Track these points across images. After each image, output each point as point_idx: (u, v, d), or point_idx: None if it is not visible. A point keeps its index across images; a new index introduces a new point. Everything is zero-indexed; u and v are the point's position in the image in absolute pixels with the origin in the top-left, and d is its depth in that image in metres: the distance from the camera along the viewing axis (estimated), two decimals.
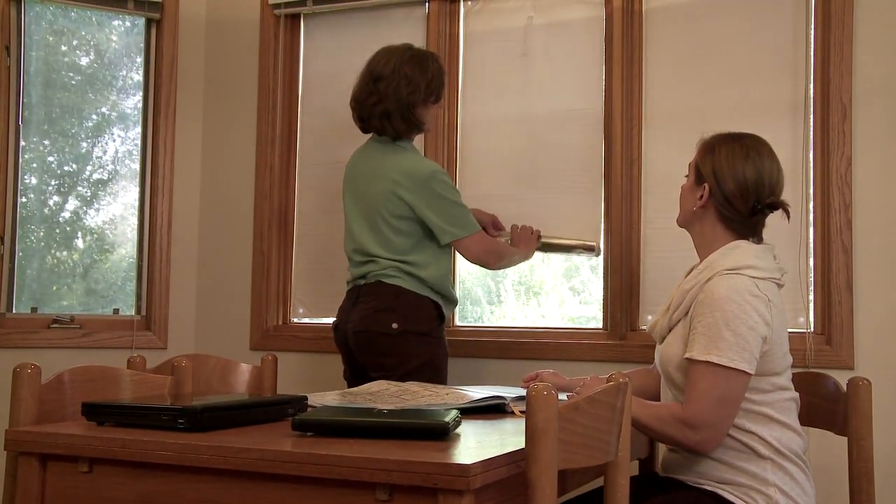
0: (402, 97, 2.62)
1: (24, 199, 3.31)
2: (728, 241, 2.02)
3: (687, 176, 2.13)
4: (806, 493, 1.91)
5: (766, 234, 2.75)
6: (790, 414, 1.95)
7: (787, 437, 1.92)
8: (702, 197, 2.03)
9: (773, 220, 2.72)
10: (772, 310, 1.90)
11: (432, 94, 2.68)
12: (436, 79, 2.68)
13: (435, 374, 2.60)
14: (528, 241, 2.82)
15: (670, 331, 2.02)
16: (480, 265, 2.77)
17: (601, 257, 2.95)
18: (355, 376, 2.68)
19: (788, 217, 2.05)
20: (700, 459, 1.93)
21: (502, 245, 2.77)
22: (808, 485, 1.93)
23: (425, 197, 2.60)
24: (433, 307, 2.66)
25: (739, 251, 1.97)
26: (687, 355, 1.89)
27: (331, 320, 3.26)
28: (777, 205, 2.02)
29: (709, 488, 1.91)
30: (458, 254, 2.84)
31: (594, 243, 2.89)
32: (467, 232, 2.64)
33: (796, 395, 1.99)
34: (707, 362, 1.85)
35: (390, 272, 2.62)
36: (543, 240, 2.86)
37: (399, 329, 2.58)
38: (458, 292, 3.04)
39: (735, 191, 1.99)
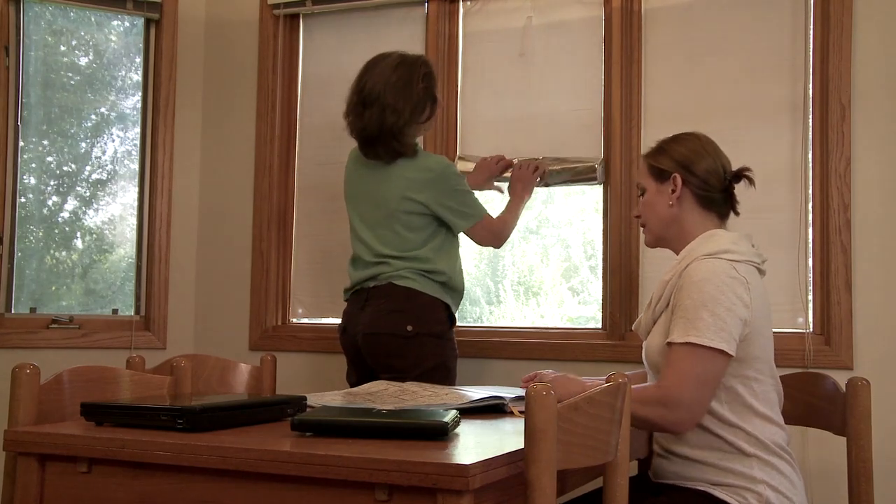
0: (386, 125, 2.61)
1: (23, 200, 3.31)
2: (709, 225, 2.06)
3: (640, 195, 2.15)
4: (794, 485, 1.92)
5: (766, 234, 2.75)
6: (773, 407, 1.96)
7: (770, 430, 1.92)
8: (674, 190, 2.06)
9: (773, 219, 2.73)
10: (751, 292, 1.91)
11: (420, 114, 2.66)
12: (421, 100, 2.65)
13: (446, 375, 2.60)
14: (526, 182, 2.85)
15: (654, 324, 2.04)
16: (489, 246, 2.83)
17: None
18: (362, 379, 2.65)
19: (753, 184, 2.08)
20: (688, 464, 1.93)
21: (506, 224, 2.78)
22: (796, 476, 1.93)
23: (439, 193, 2.62)
24: (444, 309, 2.67)
25: (716, 238, 2.00)
26: (667, 340, 1.91)
27: (330, 320, 3.28)
28: (740, 173, 2.08)
29: (701, 488, 1.91)
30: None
31: (594, 173, 2.88)
32: (478, 218, 2.68)
33: (780, 387, 2.00)
34: (686, 343, 1.86)
35: (404, 273, 2.62)
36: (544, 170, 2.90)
37: (414, 331, 2.58)
38: None
39: (706, 167, 2.05)
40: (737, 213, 2.11)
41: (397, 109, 2.61)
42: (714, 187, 2.05)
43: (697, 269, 1.92)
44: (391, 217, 2.65)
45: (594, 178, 2.90)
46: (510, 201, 2.83)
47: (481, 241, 2.77)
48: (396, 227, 2.64)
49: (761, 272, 2.02)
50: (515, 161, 2.93)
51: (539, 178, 2.89)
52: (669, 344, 1.89)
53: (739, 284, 1.90)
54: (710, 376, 1.86)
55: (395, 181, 2.64)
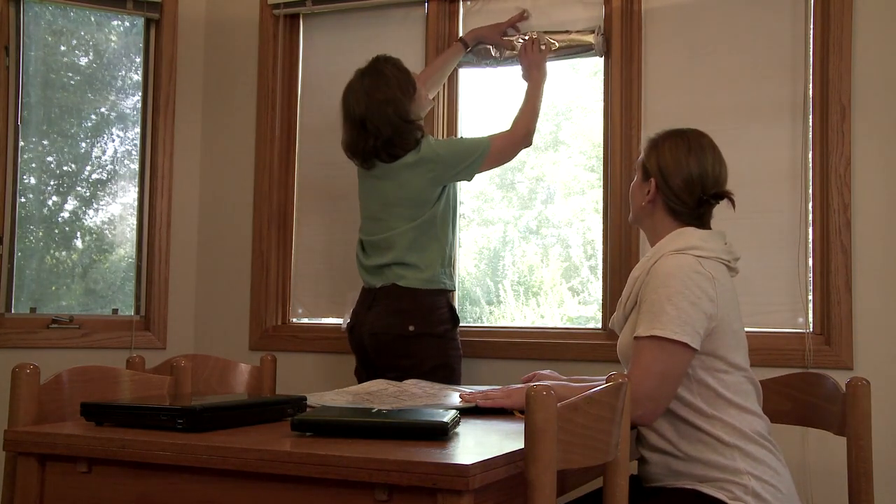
0: (392, 120, 2.65)
1: (23, 200, 3.31)
2: (678, 228, 2.07)
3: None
4: (779, 473, 1.92)
5: (766, 234, 2.75)
6: (749, 398, 1.97)
7: (749, 420, 1.93)
8: (649, 192, 2.08)
9: (773, 219, 2.73)
10: (717, 287, 1.93)
11: (406, 89, 2.71)
12: (400, 78, 2.71)
13: (449, 375, 2.64)
14: (538, 62, 2.87)
15: (626, 320, 2.06)
16: (521, 150, 2.81)
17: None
18: (371, 376, 2.67)
19: (734, 206, 2.08)
20: (673, 460, 1.94)
21: (526, 117, 2.79)
22: (780, 465, 1.94)
23: (443, 168, 2.68)
24: (448, 309, 2.71)
25: (686, 235, 2.02)
26: (634, 335, 1.93)
27: (330, 320, 3.29)
28: (722, 194, 2.07)
29: (689, 487, 1.92)
30: (460, 252, 2.85)
31: (592, 44, 2.89)
32: (485, 152, 2.71)
33: (756, 380, 2.02)
34: (651, 337, 1.88)
35: (406, 272, 2.66)
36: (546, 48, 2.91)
37: (416, 331, 2.62)
38: (458, 293, 3.04)
39: (681, 184, 2.05)
40: (708, 228, 2.10)
41: (389, 98, 2.66)
42: (684, 202, 2.06)
43: (664, 265, 1.95)
44: (403, 209, 2.68)
45: (593, 49, 2.90)
46: (528, 87, 2.85)
47: (508, 159, 2.80)
48: (406, 218, 2.68)
49: (731, 269, 2.05)
50: (518, 40, 2.94)
51: (546, 53, 2.90)
52: (636, 338, 1.92)
53: (705, 279, 1.92)
54: (673, 369, 1.88)
55: (404, 178, 2.67)
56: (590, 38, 2.89)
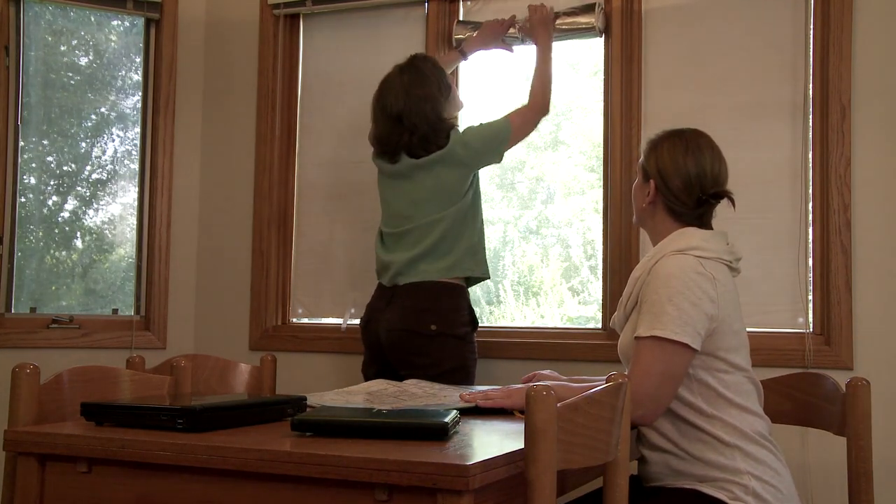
0: (429, 117, 2.68)
1: (23, 199, 3.31)
2: (679, 228, 2.07)
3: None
4: (779, 473, 1.92)
5: (766, 234, 2.75)
6: (750, 398, 1.97)
7: (749, 420, 1.94)
8: (649, 194, 2.09)
9: (773, 219, 2.73)
10: (718, 288, 1.93)
11: (445, 91, 2.74)
12: (439, 77, 2.73)
13: (465, 377, 2.64)
14: (545, 24, 2.86)
15: (626, 320, 2.06)
16: (541, 120, 2.81)
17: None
18: (381, 373, 2.69)
19: (734, 206, 2.08)
20: (674, 462, 1.95)
21: (541, 83, 2.78)
22: (780, 464, 1.94)
23: (473, 157, 2.70)
24: (468, 312, 2.71)
25: (687, 235, 2.03)
26: (635, 335, 1.93)
27: (330, 320, 3.29)
28: (721, 194, 2.07)
29: (689, 486, 1.92)
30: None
31: (594, 24, 2.89)
32: (509, 129, 2.72)
33: (757, 380, 2.02)
34: (651, 337, 1.88)
35: (427, 266, 2.66)
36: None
37: (437, 331, 2.62)
38: None
39: (680, 185, 2.05)
40: (710, 228, 2.10)
41: (427, 96, 2.68)
42: (684, 203, 2.06)
43: (665, 265, 1.96)
44: (435, 203, 2.68)
45: (593, 28, 2.90)
46: (538, 51, 2.85)
47: (530, 131, 2.79)
48: (436, 212, 2.68)
49: (733, 270, 2.05)
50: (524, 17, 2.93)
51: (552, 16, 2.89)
52: (637, 338, 1.93)
53: (706, 280, 1.92)
54: (673, 370, 1.88)
55: (436, 173, 2.68)
56: (591, 19, 2.89)
